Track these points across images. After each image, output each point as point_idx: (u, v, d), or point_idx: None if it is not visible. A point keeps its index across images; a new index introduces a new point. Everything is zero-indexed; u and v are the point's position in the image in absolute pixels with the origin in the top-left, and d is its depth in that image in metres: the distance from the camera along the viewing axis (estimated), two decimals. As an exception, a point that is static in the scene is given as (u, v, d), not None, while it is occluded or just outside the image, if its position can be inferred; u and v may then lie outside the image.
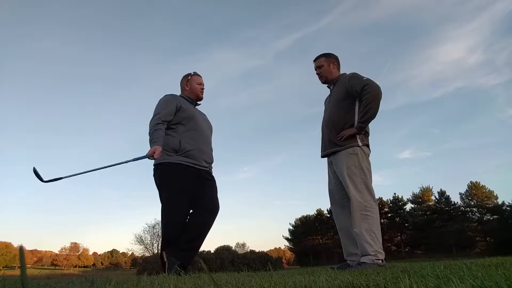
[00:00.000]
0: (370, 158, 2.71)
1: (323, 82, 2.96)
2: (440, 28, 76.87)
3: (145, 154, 2.59)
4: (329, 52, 2.96)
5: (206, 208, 2.81)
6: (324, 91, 3.06)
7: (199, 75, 3.09)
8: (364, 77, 2.65)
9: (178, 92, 3.09)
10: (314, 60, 2.97)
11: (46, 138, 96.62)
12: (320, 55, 2.96)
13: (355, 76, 2.69)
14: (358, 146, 2.62)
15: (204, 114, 3.14)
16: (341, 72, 2.93)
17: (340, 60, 2.96)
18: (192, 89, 3.01)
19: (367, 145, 2.70)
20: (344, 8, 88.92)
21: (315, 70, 2.96)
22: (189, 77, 3.04)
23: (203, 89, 3.06)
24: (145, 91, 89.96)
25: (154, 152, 2.53)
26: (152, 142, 2.63)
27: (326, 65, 2.89)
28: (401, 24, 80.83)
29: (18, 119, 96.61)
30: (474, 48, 73.33)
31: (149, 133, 2.71)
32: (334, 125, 2.74)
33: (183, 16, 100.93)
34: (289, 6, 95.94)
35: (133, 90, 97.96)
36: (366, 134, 2.73)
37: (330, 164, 2.84)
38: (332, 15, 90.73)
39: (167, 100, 2.86)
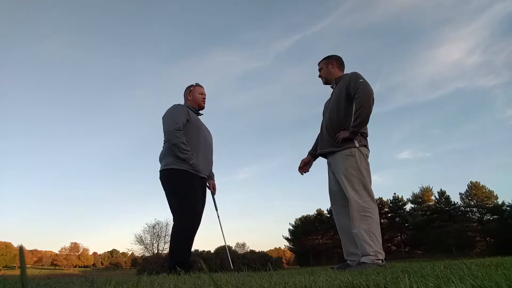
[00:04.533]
0: (369, 159, 2.70)
1: (324, 83, 3.01)
2: (439, 29, 77.02)
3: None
4: (332, 54, 2.99)
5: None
6: (324, 91, 3.08)
7: (201, 86, 3.24)
8: (361, 79, 2.63)
9: (180, 98, 3.21)
10: (318, 64, 3.05)
11: (47, 139, 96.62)
12: (322, 58, 3.01)
13: (354, 77, 2.68)
14: (355, 147, 2.61)
15: (203, 123, 3.22)
16: (345, 72, 2.94)
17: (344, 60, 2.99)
18: (194, 98, 3.17)
19: (365, 146, 2.70)
20: (343, 10, 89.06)
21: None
22: (192, 88, 3.20)
23: (204, 98, 3.22)
24: (146, 93, 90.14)
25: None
26: (188, 159, 2.80)
27: (324, 66, 2.95)
28: (401, 26, 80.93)
29: (19, 121, 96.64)
30: (473, 50, 73.46)
31: (176, 144, 2.81)
32: (333, 125, 2.74)
33: (184, 18, 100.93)
34: (289, 8, 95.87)
35: (133, 93, 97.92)
36: (364, 135, 2.72)
37: (329, 165, 2.85)
38: (331, 17, 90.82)
39: (179, 109, 2.99)
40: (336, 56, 2.97)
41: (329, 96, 3.01)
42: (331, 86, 2.98)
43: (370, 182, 2.60)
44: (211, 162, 3.12)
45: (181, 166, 2.82)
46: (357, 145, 2.62)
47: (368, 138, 2.76)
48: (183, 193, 2.81)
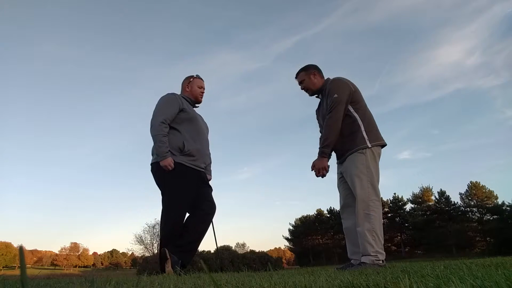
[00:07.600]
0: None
1: (311, 95, 2.92)
2: (438, 30, 77.20)
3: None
4: (307, 64, 2.91)
5: (206, 210, 2.85)
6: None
7: (201, 79, 3.10)
8: (335, 93, 2.61)
9: (178, 91, 3.09)
10: (296, 78, 2.95)
11: (47, 139, 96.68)
12: (299, 70, 2.92)
13: (330, 90, 2.66)
14: (368, 147, 2.59)
15: (200, 115, 3.13)
16: (328, 76, 2.88)
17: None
18: (192, 91, 3.03)
19: (378, 144, 2.65)
20: (343, 11, 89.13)
21: (299, 86, 2.93)
22: (191, 79, 3.06)
23: (203, 92, 3.08)
24: (146, 92, 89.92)
25: (170, 165, 2.66)
26: (162, 152, 2.67)
27: (307, 78, 2.85)
28: (400, 27, 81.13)
29: (19, 120, 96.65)
30: (472, 50, 73.60)
31: (155, 135, 2.71)
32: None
33: (184, 18, 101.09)
34: (289, 9, 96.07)
35: (134, 91, 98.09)
36: (375, 130, 2.68)
37: (338, 166, 2.85)
38: (331, 18, 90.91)
39: (170, 100, 2.85)
40: (313, 65, 2.90)
41: (317, 104, 2.96)
42: (316, 96, 2.92)
43: (378, 181, 2.59)
44: (207, 155, 2.99)
45: (175, 159, 2.71)
46: (369, 145, 2.60)
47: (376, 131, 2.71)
48: (174, 186, 2.70)
